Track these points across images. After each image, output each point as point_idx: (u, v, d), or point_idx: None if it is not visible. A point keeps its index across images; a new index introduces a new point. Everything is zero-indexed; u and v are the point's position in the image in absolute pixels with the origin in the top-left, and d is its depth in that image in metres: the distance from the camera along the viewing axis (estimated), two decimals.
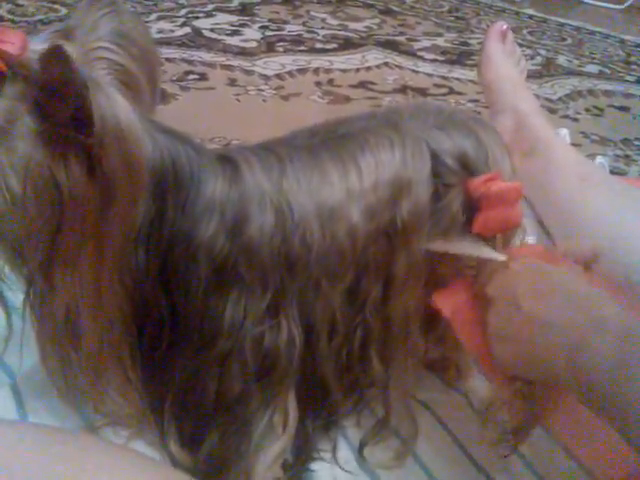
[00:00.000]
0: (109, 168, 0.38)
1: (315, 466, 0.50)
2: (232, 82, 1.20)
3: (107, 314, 0.44)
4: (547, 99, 1.34)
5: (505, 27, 0.93)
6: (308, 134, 0.50)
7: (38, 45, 0.42)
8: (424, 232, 0.50)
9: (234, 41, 1.40)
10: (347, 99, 1.21)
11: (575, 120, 1.27)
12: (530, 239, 0.81)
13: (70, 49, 0.41)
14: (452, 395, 0.60)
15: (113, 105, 0.37)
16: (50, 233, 0.40)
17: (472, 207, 0.50)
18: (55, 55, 0.36)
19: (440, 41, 1.60)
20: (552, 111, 1.29)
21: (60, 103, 0.38)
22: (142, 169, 0.40)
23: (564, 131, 1.07)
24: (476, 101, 1.25)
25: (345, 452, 0.52)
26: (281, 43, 1.43)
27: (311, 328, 0.48)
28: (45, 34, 0.44)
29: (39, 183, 0.39)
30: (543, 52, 1.62)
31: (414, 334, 0.55)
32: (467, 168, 0.51)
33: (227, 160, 0.46)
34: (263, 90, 1.19)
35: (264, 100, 1.16)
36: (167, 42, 1.33)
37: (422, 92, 1.29)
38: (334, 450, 0.51)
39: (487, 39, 0.93)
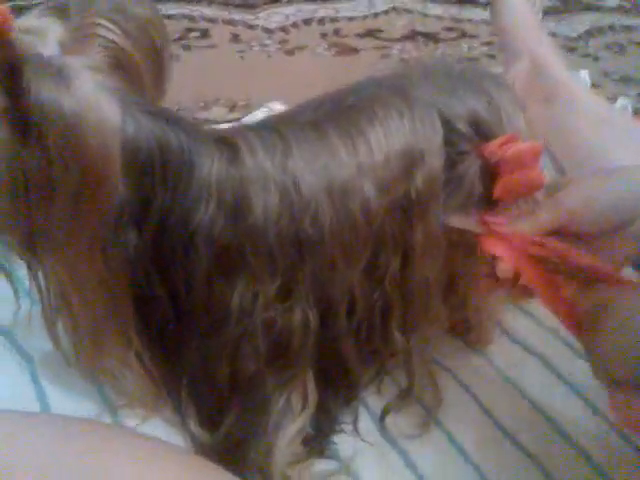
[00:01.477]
0: (52, 152, 0.37)
1: (336, 439, 0.50)
2: (235, 38, 1.16)
3: (94, 293, 0.43)
4: (566, 37, 1.28)
5: None
6: (313, 108, 0.48)
7: (29, 21, 0.40)
8: (439, 201, 0.48)
9: None
10: (354, 50, 1.16)
11: (596, 59, 1.21)
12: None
13: (59, 28, 0.39)
14: (474, 359, 0.59)
15: (60, 91, 0.36)
16: (24, 215, 0.40)
17: (490, 173, 0.48)
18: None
19: None
20: (571, 49, 1.23)
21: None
22: (101, 152, 0.38)
23: (583, 73, 1.02)
24: (490, 44, 1.20)
25: (366, 423, 0.51)
26: None
27: (328, 307, 0.47)
28: (39, 9, 0.42)
29: (8, 163, 0.38)
30: None
31: (435, 303, 0.54)
32: (481, 133, 0.48)
33: (225, 142, 0.44)
34: (267, 45, 1.14)
35: (269, 56, 1.12)
36: None
37: (432, 37, 1.24)
38: (355, 421, 0.51)
39: None
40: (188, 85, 0.94)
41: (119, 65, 0.42)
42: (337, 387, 0.51)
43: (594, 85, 1.05)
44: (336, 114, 0.47)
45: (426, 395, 0.54)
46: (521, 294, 0.47)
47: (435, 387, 0.54)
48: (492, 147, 0.47)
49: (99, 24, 0.41)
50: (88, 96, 0.38)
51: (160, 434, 0.49)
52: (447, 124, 0.48)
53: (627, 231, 0.44)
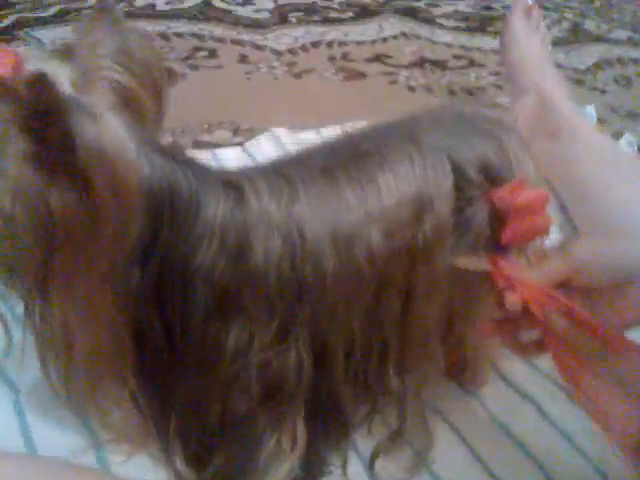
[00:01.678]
0: (97, 191, 0.38)
1: None
2: (243, 59, 1.16)
3: (101, 332, 0.43)
4: (575, 69, 1.28)
5: (531, 1, 0.88)
6: (325, 153, 0.48)
7: (37, 65, 0.40)
8: (447, 247, 0.48)
9: (246, 12, 1.35)
10: (362, 75, 1.16)
11: (603, 92, 1.21)
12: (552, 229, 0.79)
13: (66, 70, 0.39)
14: (467, 402, 0.58)
15: (100, 130, 0.36)
16: (42, 253, 0.40)
17: (499, 218, 0.48)
18: (39, 81, 0.34)
19: (462, 5, 1.53)
20: (579, 82, 1.23)
21: (48, 127, 0.36)
22: (133, 192, 0.39)
23: (589, 108, 1.02)
24: (498, 74, 1.20)
25: (356, 467, 0.51)
26: (294, 13, 1.37)
27: (325, 351, 0.46)
28: (45, 53, 0.42)
29: (30, 204, 0.39)
30: (570, 16, 1.54)
31: (434, 344, 0.53)
32: (490, 178, 0.48)
33: (232, 184, 0.44)
34: (275, 67, 1.15)
35: (275, 78, 1.12)
36: (175, 15, 1.29)
37: (441, 65, 1.24)
38: (344, 465, 0.50)
39: (511, 14, 0.88)
40: (193, 105, 0.94)
41: (126, 104, 0.42)
42: (328, 426, 0.51)
43: (600, 120, 1.05)
44: (347, 160, 0.47)
45: (417, 438, 0.53)
46: (531, 349, 0.47)
47: (426, 429, 0.53)
48: (501, 193, 0.47)
49: (106, 66, 0.41)
50: (118, 135, 0.38)
51: (145, 470, 0.49)
52: (457, 169, 0.48)
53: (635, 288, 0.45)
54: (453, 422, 0.56)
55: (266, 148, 0.87)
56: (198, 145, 0.90)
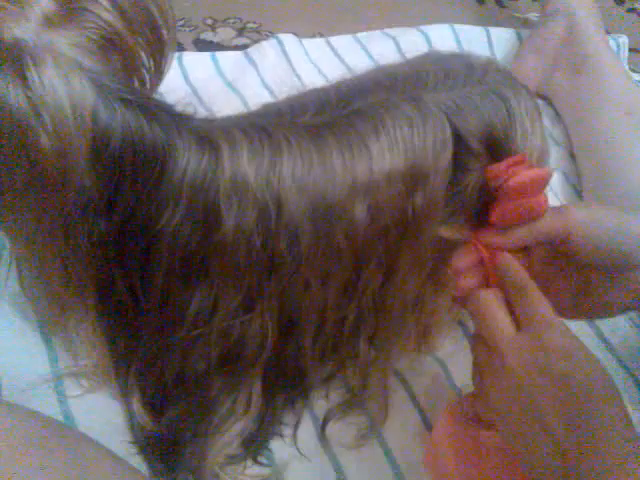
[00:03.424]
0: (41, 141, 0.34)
1: (273, 444, 0.50)
2: None
3: (55, 268, 0.41)
4: None
5: None
6: (315, 108, 0.42)
7: None
8: (436, 223, 0.45)
9: None
10: None
11: None
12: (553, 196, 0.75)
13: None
14: (431, 367, 0.58)
15: (47, 77, 0.33)
16: None
17: (490, 194, 0.44)
18: None
19: None
20: (618, 1, 1.12)
21: None
22: (81, 143, 0.35)
23: (622, 39, 0.94)
24: None
25: (308, 428, 0.51)
26: None
27: (294, 324, 0.45)
28: None
29: None
30: None
31: (409, 319, 0.52)
32: (492, 150, 0.45)
33: (208, 144, 0.39)
34: None
35: None
36: None
37: None
38: (297, 425, 0.51)
39: None
40: None
41: (110, 44, 0.37)
42: (288, 387, 0.50)
43: (633, 50, 0.96)
44: (340, 119, 0.42)
45: (374, 404, 0.53)
46: None
47: (385, 399, 0.53)
48: (497, 171, 0.43)
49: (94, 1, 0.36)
50: (51, 84, 0.34)
51: (102, 408, 0.49)
52: (459, 140, 0.44)
53: (631, 277, 0.43)
54: (414, 391, 0.56)
55: (270, 56, 0.80)
56: (199, 44, 0.83)
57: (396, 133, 0.42)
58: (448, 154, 0.43)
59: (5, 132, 0.34)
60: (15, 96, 0.33)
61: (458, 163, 0.44)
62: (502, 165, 0.43)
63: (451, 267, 0.44)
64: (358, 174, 0.41)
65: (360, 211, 0.42)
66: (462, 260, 0.44)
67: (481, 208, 0.45)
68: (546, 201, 0.43)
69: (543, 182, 0.44)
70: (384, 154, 0.42)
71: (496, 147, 0.45)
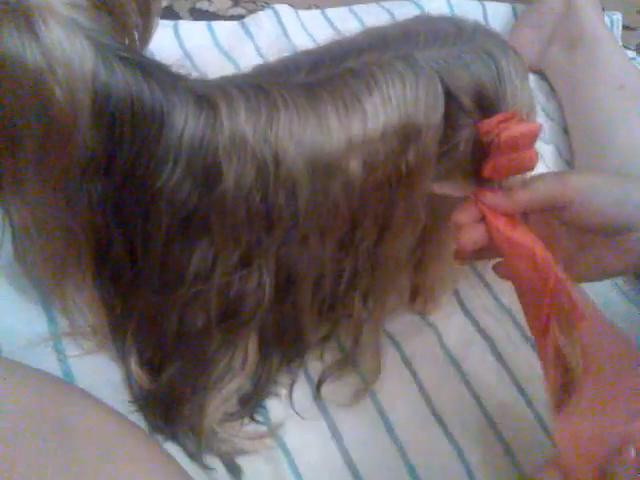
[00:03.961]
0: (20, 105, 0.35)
1: (269, 403, 0.51)
2: None
3: (57, 234, 0.42)
4: None
5: None
6: (309, 66, 0.43)
7: None
8: (428, 178, 0.46)
9: None
10: None
11: None
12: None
13: None
14: (424, 334, 0.59)
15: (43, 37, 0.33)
16: None
17: (483, 149, 0.45)
18: None
19: None
20: None
21: None
22: (83, 102, 0.36)
23: (616, 16, 0.94)
24: None
25: (303, 388, 0.52)
26: None
27: (292, 280, 0.46)
28: None
29: None
30: None
31: (403, 275, 0.53)
32: (483, 107, 0.46)
33: (205, 99, 0.40)
34: None
35: None
36: None
37: None
38: (292, 385, 0.52)
39: None
40: None
41: (101, 2, 0.37)
42: (285, 346, 0.52)
43: (627, 27, 0.97)
44: (333, 77, 0.43)
45: (366, 364, 0.54)
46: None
47: (377, 358, 0.54)
48: (488, 126, 0.44)
49: None
50: (59, 40, 0.35)
51: (101, 368, 0.50)
52: (450, 97, 0.45)
53: (627, 239, 0.43)
54: (406, 353, 0.57)
55: (266, 26, 0.80)
56: (194, 12, 0.82)
57: (389, 90, 0.43)
58: (440, 110, 0.44)
59: (25, 87, 0.34)
60: (31, 53, 0.34)
61: (450, 120, 0.45)
62: (493, 120, 0.44)
63: (451, 221, 0.45)
64: (353, 130, 0.42)
65: (355, 166, 0.43)
66: (462, 214, 0.44)
67: (477, 167, 0.46)
68: (537, 155, 0.45)
69: (534, 136, 0.45)
70: (378, 111, 0.43)
71: (487, 104, 0.46)
